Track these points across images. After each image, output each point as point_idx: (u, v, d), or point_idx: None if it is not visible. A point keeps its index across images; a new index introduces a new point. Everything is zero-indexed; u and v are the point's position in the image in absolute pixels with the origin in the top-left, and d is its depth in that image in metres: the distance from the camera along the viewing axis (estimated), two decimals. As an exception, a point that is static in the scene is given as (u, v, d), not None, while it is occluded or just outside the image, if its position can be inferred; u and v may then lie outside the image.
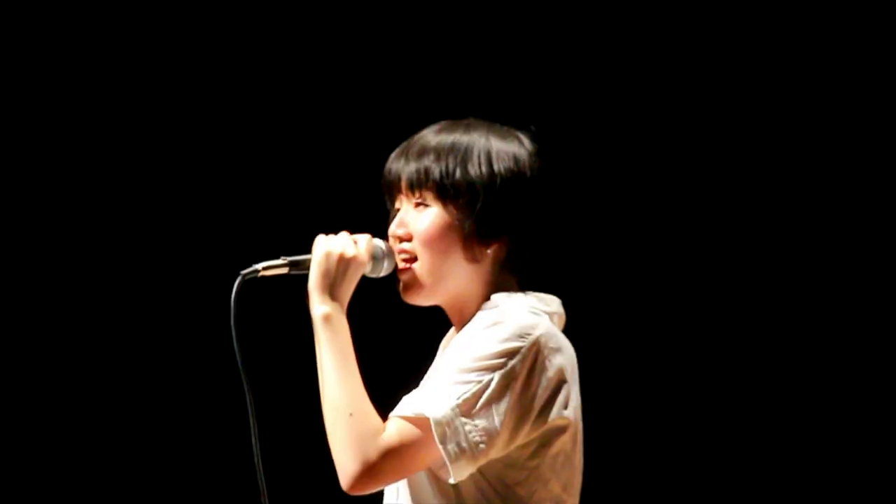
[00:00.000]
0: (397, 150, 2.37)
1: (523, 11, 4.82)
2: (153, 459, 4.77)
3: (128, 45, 4.87)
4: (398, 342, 2.67)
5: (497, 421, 2.19)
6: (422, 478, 2.29)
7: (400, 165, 2.33)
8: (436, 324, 2.52)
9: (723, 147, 4.87)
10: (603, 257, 4.78)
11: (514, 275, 2.34)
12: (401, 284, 2.33)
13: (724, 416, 4.81)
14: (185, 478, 4.74)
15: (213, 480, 4.71)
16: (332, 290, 2.24)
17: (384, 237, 2.35)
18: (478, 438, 2.18)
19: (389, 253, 2.31)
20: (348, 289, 2.26)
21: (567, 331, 2.40)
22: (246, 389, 2.29)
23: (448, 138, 2.33)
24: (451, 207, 2.30)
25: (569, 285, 2.48)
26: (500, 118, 2.46)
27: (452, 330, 2.39)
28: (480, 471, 2.24)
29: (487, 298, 2.32)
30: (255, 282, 2.28)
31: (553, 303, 2.34)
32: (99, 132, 4.87)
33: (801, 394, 4.82)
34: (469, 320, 2.30)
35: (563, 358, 2.27)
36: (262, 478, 2.31)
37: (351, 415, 2.19)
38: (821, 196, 4.81)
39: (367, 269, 2.29)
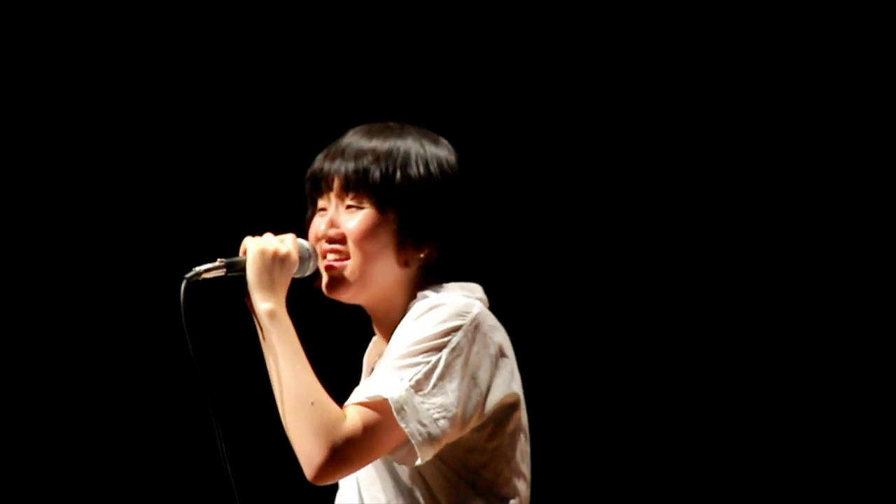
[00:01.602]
0: (326, 151, 2.35)
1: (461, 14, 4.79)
2: (118, 463, 4.77)
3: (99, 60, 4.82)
4: (321, 348, 2.82)
5: (452, 396, 2.20)
6: (385, 477, 2.31)
7: (334, 166, 2.32)
8: (358, 331, 2.54)
9: (704, 140, 4.82)
10: (523, 255, 4.76)
11: (436, 277, 2.35)
12: (326, 280, 2.32)
13: (707, 412, 4.75)
14: (145, 480, 4.76)
15: (175, 483, 4.74)
16: (271, 287, 2.26)
17: (303, 236, 2.37)
18: (436, 415, 2.18)
19: (314, 253, 2.33)
20: (285, 285, 2.28)
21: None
22: (204, 390, 2.29)
23: (384, 143, 2.32)
24: (387, 210, 2.30)
25: (492, 288, 2.49)
26: (420, 121, 2.47)
27: (376, 339, 2.40)
28: (443, 460, 2.25)
29: (413, 297, 2.32)
30: (200, 284, 2.31)
31: (477, 290, 2.35)
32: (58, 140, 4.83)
33: (795, 390, 4.77)
34: (395, 322, 2.29)
35: (500, 335, 2.30)
36: (230, 473, 2.29)
37: (312, 404, 2.19)
38: (810, 194, 4.76)
39: (295, 269, 2.31)
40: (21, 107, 4.85)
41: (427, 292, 2.31)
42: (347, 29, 4.80)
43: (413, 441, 2.18)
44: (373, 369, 2.37)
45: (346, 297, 2.34)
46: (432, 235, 2.32)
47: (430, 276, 2.35)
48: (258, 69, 4.78)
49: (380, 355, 2.35)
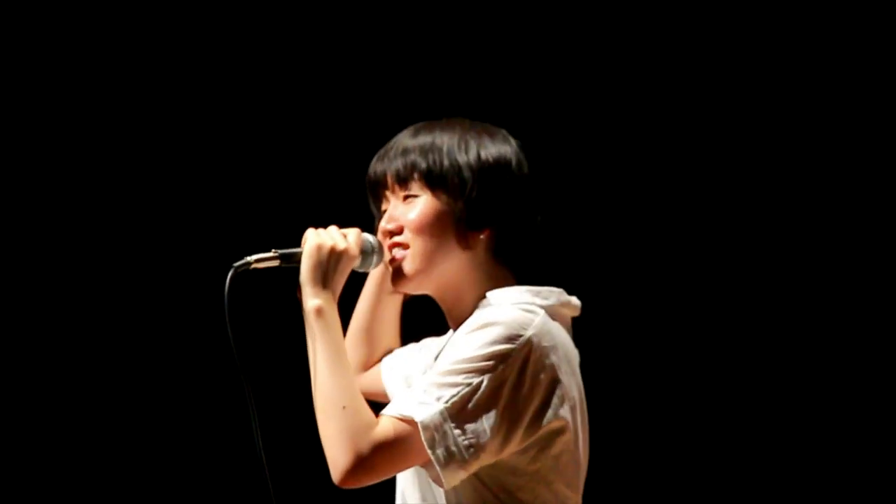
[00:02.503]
0: (378, 154, 2.36)
1: (510, 12, 4.81)
2: (151, 455, 4.77)
3: (107, 50, 4.85)
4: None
5: (487, 426, 2.17)
6: (422, 483, 2.29)
7: (385, 165, 2.33)
8: (431, 325, 2.51)
9: (713, 142, 4.85)
10: (599, 251, 4.76)
11: (508, 267, 2.32)
12: (391, 274, 2.31)
13: (721, 413, 4.76)
14: (182, 472, 4.75)
15: (209, 474, 4.72)
16: (323, 283, 2.22)
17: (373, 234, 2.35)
18: (467, 443, 2.15)
19: (378, 248, 2.30)
20: (339, 282, 2.25)
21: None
22: (243, 380, 2.26)
23: (429, 136, 2.34)
24: (440, 194, 2.30)
25: (568, 278, 2.46)
26: (477, 118, 2.48)
27: (450, 332, 2.36)
28: (479, 477, 2.22)
29: (483, 291, 2.30)
30: (248, 274, 2.25)
31: (552, 295, 2.30)
32: (88, 130, 4.86)
33: (799, 394, 4.78)
34: (467, 312, 2.28)
35: (557, 356, 2.24)
36: (266, 467, 2.28)
37: (344, 408, 2.17)
38: (817, 196, 4.77)
39: (357, 263, 2.27)
40: (50, 105, 4.85)
41: (494, 295, 2.29)
42: (423, 28, 4.82)
43: (437, 466, 2.15)
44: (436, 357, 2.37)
45: (413, 286, 2.33)
46: (490, 216, 2.30)
47: (500, 265, 2.33)
48: (324, 70, 4.81)
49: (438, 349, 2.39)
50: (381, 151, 2.36)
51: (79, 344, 4.84)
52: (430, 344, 2.48)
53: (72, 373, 4.81)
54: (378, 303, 2.52)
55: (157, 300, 4.73)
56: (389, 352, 2.55)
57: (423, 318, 2.55)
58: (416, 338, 2.59)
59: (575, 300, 2.31)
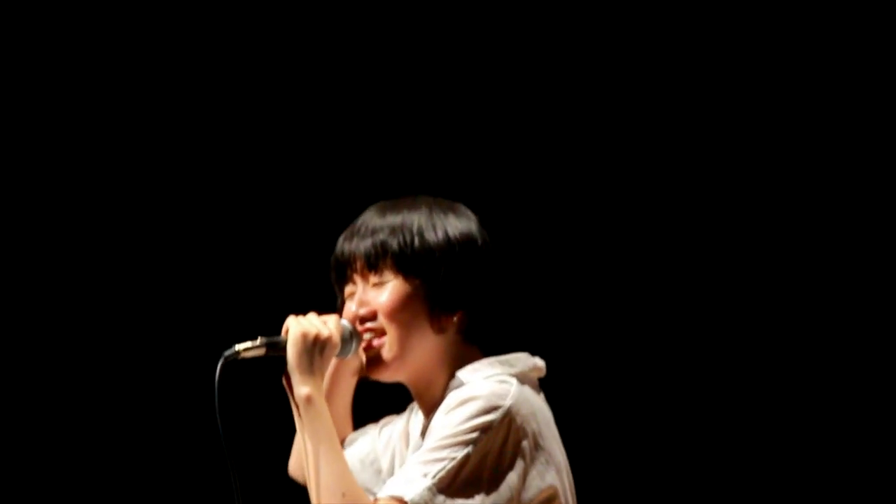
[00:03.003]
0: (345, 234, 2.35)
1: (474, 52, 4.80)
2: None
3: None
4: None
5: (477, 498, 2.20)
6: None
7: (353, 245, 2.32)
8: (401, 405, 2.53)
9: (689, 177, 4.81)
10: (562, 318, 4.71)
11: (474, 344, 2.32)
12: (366, 361, 2.32)
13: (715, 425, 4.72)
14: None
15: None
16: (311, 371, 2.24)
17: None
18: None
19: (356, 334, 2.31)
20: (325, 369, 2.27)
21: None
22: (231, 468, 2.28)
23: (397, 216, 2.32)
24: (411, 279, 2.29)
25: (530, 345, 2.45)
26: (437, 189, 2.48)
27: (418, 409, 2.38)
28: None
29: (452, 373, 2.30)
30: (237, 362, 2.29)
31: (518, 362, 2.31)
32: (82, 143, 4.83)
33: (797, 398, 4.75)
34: (439, 396, 2.29)
35: (537, 421, 2.26)
36: None
37: (343, 495, 2.19)
38: (812, 195, 4.75)
39: (337, 351, 2.28)
40: (52, 135, 4.86)
41: (464, 374, 2.29)
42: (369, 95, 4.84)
43: None
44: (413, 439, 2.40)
45: (388, 374, 2.33)
46: (461, 299, 2.30)
47: (468, 344, 2.33)
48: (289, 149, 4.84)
49: (422, 430, 2.34)
50: (348, 231, 2.34)
51: (76, 365, 4.79)
52: (393, 426, 2.48)
53: (68, 430, 4.76)
54: (334, 389, 2.45)
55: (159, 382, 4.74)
56: (343, 438, 2.50)
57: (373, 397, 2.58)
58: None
59: (539, 361, 2.33)
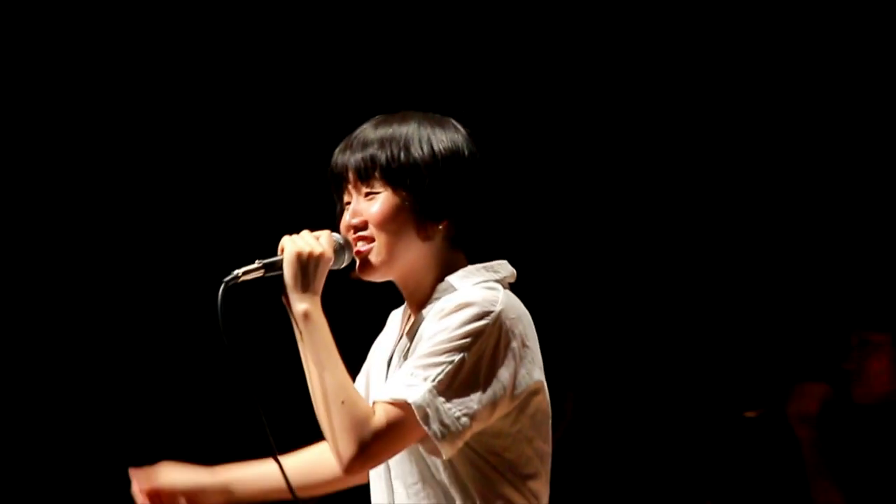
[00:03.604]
0: (340, 146, 2.46)
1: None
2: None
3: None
4: (359, 324, 2.85)
5: (474, 395, 2.32)
6: (413, 456, 2.40)
7: (346, 158, 2.43)
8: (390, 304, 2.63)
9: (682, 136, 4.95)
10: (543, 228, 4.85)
11: (460, 250, 2.45)
12: (358, 265, 2.43)
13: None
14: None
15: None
16: (307, 288, 2.34)
17: (337, 230, 2.45)
18: (458, 414, 2.30)
19: (347, 244, 2.42)
20: (320, 284, 2.36)
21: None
22: (246, 386, 2.35)
23: (388, 129, 2.42)
24: (399, 190, 2.40)
25: (513, 254, 2.55)
26: (432, 109, 2.54)
27: (405, 306, 2.50)
28: (470, 446, 2.36)
29: (440, 276, 2.43)
30: (237, 285, 2.37)
31: (502, 267, 2.45)
32: (75, 144, 4.96)
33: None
34: (426, 294, 2.43)
35: (523, 324, 2.39)
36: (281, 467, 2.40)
37: (343, 403, 2.30)
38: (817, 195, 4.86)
39: (331, 263, 2.38)
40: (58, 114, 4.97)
41: (452, 280, 2.42)
42: (367, 34, 4.95)
43: (434, 440, 2.30)
44: (401, 337, 2.48)
45: (378, 276, 2.45)
46: (447, 209, 2.42)
47: (454, 249, 2.46)
48: (292, 76, 4.92)
49: (410, 327, 2.46)
50: (343, 144, 2.46)
51: (79, 347, 4.95)
52: (372, 354, 2.58)
53: (73, 381, 4.93)
54: None
55: (149, 315, 4.88)
56: None
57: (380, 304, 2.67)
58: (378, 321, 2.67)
59: (510, 268, 2.45)
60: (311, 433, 2.44)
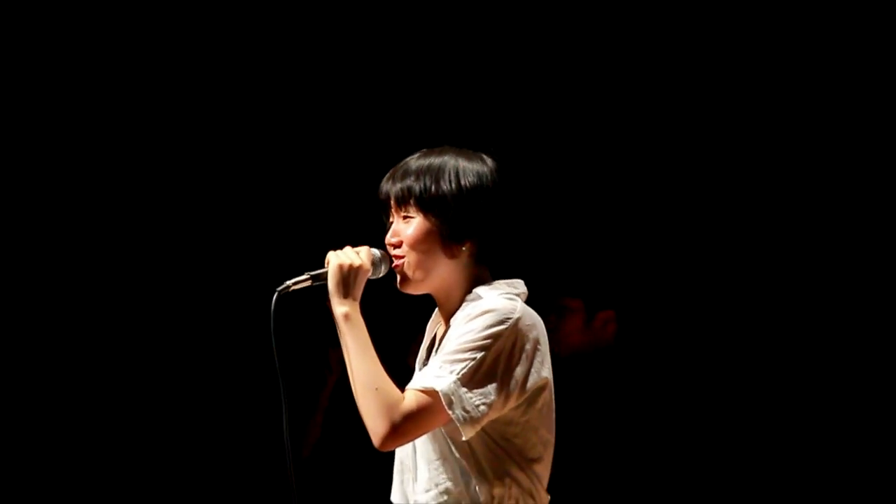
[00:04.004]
0: (387, 175, 2.83)
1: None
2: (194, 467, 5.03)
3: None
4: (395, 326, 3.11)
5: (492, 388, 2.67)
6: (436, 438, 2.73)
7: (388, 187, 2.81)
8: (424, 311, 2.94)
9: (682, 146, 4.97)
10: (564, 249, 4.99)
11: (485, 265, 2.80)
12: (399, 280, 2.79)
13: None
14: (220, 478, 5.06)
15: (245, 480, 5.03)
16: (347, 294, 2.71)
17: (382, 246, 2.80)
18: (478, 402, 2.65)
19: (384, 258, 2.78)
20: (359, 291, 2.73)
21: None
22: (282, 388, 2.72)
23: (425, 162, 2.79)
24: (429, 216, 2.76)
25: (531, 272, 2.87)
26: (470, 142, 2.85)
27: (437, 312, 2.85)
28: (485, 430, 2.70)
29: (468, 289, 2.78)
30: (289, 294, 2.72)
31: (520, 285, 2.79)
32: (122, 145, 5.07)
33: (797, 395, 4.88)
34: (455, 306, 2.78)
35: (537, 331, 2.73)
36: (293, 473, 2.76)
37: (377, 389, 2.65)
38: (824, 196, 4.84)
39: (370, 274, 2.75)
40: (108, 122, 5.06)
41: (479, 291, 2.78)
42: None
43: (458, 424, 2.66)
44: (433, 339, 2.84)
45: (411, 289, 2.81)
46: (469, 231, 2.78)
47: (480, 266, 2.81)
48: (343, 103, 5.04)
49: (438, 333, 2.83)
50: (389, 173, 2.83)
51: (121, 362, 5.08)
52: (431, 324, 2.92)
53: (115, 393, 5.06)
54: None
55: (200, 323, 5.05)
56: None
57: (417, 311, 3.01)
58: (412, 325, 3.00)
59: (524, 287, 2.81)
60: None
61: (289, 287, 2.74)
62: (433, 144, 2.85)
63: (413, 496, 2.78)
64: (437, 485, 2.75)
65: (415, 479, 2.79)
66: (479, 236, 2.79)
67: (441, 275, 2.79)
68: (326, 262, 2.75)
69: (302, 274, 2.75)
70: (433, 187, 2.77)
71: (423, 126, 4.88)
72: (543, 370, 2.75)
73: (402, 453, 2.82)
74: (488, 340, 2.68)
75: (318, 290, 2.76)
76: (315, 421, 4.87)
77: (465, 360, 2.67)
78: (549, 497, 2.81)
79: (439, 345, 2.78)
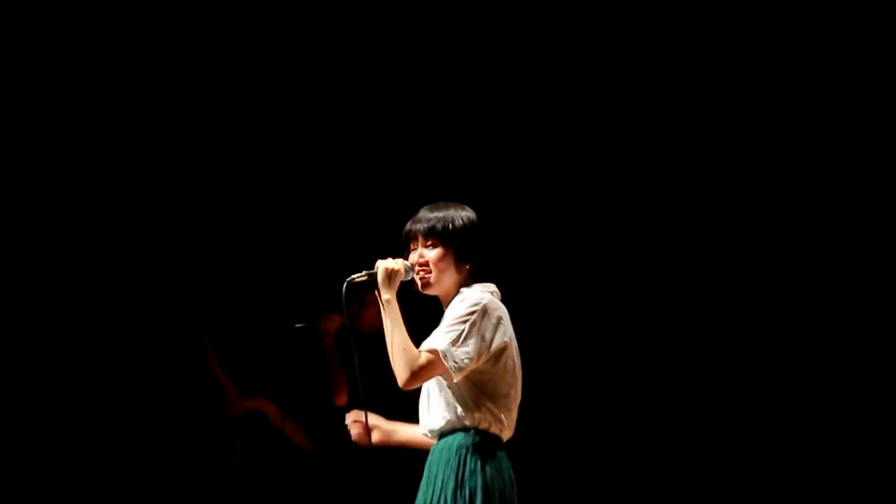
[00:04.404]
0: (410, 220, 4.10)
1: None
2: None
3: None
4: (419, 313, 4.20)
5: (471, 347, 3.91)
6: (442, 383, 3.95)
7: (416, 227, 4.10)
8: (433, 308, 4.07)
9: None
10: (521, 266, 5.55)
11: (473, 279, 4.08)
12: (420, 284, 4.05)
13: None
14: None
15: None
16: (389, 287, 4.00)
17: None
18: (463, 357, 3.90)
19: (411, 268, 4.07)
20: (396, 286, 4.02)
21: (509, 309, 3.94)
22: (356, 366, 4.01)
23: (438, 213, 4.09)
24: (447, 247, 4.04)
25: (505, 282, 3.99)
26: (457, 194, 3.99)
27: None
28: (468, 377, 3.93)
29: (459, 291, 4.04)
30: (354, 284, 4.02)
31: (491, 286, 4.08)
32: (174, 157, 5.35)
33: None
34: (450, 300, 4.03)
35: (499, 312, 3.99)
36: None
37: (404, 349, 3.91)
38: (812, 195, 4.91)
39: (402, 277, 4.03)
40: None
41: (464, 290, 4.07)
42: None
43: (451, 371, 3.92)
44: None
45: (429, 291, 4.11)
46: (470, 256, 4.09)
47: (470, 278, 4.09)
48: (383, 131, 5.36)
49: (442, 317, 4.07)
50: (412, 219, 4.09)
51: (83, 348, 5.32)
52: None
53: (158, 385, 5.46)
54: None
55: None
56: None
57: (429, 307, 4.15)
58: (428, 314, 4.13)
59: (495, 287, 4.06)
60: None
61: (354, 279, 4.12)
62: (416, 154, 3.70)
63: (429, 425, 4.03)
64: (440, 414, 3.99)
65: (429, 413, 4.03)
66: (476, 259, 4.09)
67: (449, 284, 4.07)
68: (376, 265, 4.08)
69: (361, 272, 4.08)
70: (449, 227, 4.06)
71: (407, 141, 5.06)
72: (505, 337, 4.00)
73: (422, 399, 4.06)
74: (467, 318, 3.94)
75: (371, 284, 4.11)
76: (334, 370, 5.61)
77: (454, 330, 3.94)
78: (513, 429, 4.00)
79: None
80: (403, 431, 4.12)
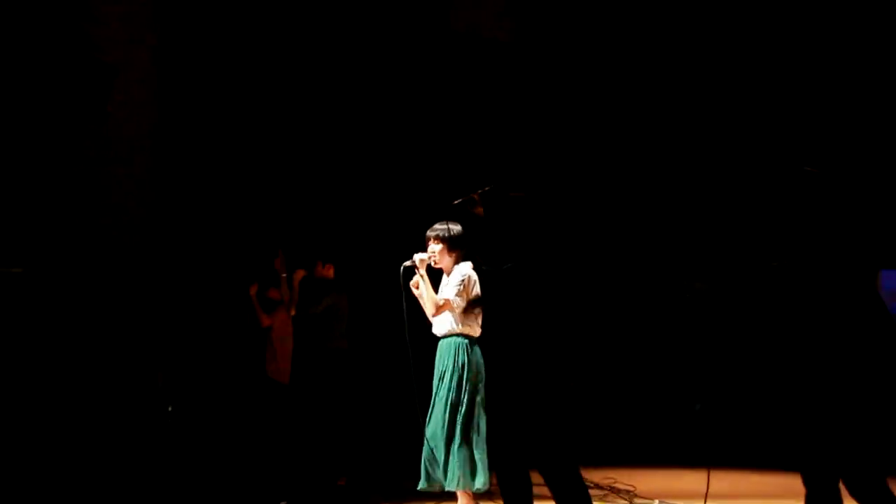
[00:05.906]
0: (429, 230, 8.07)
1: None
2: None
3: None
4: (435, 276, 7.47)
5: (463, 298, 7.91)
6: (450, 315, 7.94)
7: (430, 234, 8.06)
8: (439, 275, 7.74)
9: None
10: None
11: (463, 260, 8.09)
12: (435, 264, 7.93)
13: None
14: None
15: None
16: (423, 267, 7.98)
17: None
18: (460, 301, 7.91)
19: (429, 256, 8.02)
20: (425, 265, 7.93)
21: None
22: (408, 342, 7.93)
23: (442, 226, 8.03)
24: (448, 244, 7.95)
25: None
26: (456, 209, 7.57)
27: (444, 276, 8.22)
28: (461, 310, 7.90)
29: (453, 267, 8.07)
30: (406, 269, 7.79)
31: (470, 263, 8.07)
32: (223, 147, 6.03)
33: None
34: (449, 273, 8.08)
35: (475, 277, 7.89)
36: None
37: (435, 304, 7.92)
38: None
39: (428, 262, 8.01)
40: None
41: (456, 266, 8.17)
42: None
43: (454, 307, 8.01)
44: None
45: (438, 266, 8.09)
46: (457, 249, 8.13)
47: (459, 260, 8.13)
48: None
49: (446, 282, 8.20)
50: (430, 229, 8.02)
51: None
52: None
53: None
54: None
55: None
56: None
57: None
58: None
59: (472, 264, 8.13)
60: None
61: (405, 265, 7.99)
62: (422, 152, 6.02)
63: (440, 331, 7.90)
64: (446, 326, 7.93)
65: (440, 324, 7.93)
66: (461, 249, 8.04)
67: (447, 263, 8.02)
68: (414, 257, 8.04)
69: (409, 259, 7.97)
70: (448, 234, 8.04)
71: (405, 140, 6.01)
72: (476, 289, 7.92)
73: (440, 316, 7.95)
74: (461, 280, 7.97)
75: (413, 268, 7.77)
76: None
77: (455, 287, 7.96)
78: (479, 333, 7.91)
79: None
80: (429, 292, 7.39)
